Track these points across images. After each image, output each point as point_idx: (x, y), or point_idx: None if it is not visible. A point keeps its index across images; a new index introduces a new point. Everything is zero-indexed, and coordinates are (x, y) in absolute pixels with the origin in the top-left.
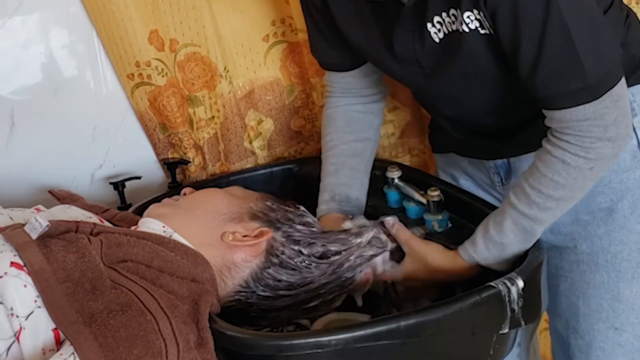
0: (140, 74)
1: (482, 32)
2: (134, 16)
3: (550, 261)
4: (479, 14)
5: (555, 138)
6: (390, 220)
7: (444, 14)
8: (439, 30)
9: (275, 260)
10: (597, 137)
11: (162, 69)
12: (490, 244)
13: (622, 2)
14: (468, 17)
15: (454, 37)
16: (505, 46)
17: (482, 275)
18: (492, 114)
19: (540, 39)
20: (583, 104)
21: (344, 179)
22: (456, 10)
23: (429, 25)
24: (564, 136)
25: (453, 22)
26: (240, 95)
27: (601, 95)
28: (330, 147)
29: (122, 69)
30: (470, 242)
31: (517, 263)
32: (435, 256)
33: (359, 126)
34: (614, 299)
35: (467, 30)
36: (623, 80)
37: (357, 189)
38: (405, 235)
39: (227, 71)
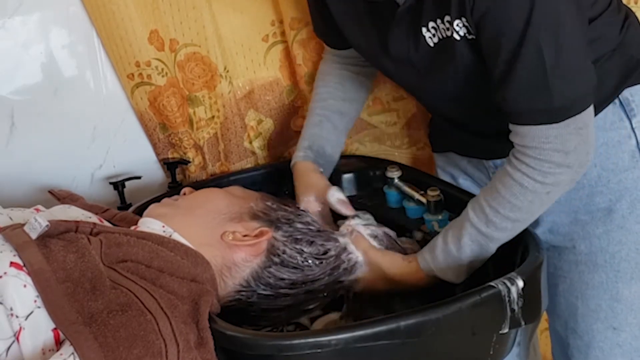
0: (140, 74)
1: (469, 37)
2: (134, 16)
3: (549, 261)
4: (467, 21)
5: (516, 160)
6: (350, 225)
7: (438, 21)
8: (434, 35)
9: (276, 259)
10: (557, 164)
11: (162, 69)
12: (448, 258)
13: (621, 2)
14: (457, 24)
15: (447, 43)
16: (484, 54)
17: (479, 275)
18: (488, 115)
19: (514, 57)
20: (544, 124)
21: (325, 133)
22: (450, 16)
23: (424, 29)
24: (525, 158)
25: (447, 29)
26: (240, 95)
27: (562, 120)
28: (319, 100)
29: (122, 69)
30: (429, 252)
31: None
32: (392, 265)
33: (350, 85)
34: (613, 299)
35: (457, 38)
36: (591, 108)
37: (334, 146)
38: (362, 245)
39: (227, 71)
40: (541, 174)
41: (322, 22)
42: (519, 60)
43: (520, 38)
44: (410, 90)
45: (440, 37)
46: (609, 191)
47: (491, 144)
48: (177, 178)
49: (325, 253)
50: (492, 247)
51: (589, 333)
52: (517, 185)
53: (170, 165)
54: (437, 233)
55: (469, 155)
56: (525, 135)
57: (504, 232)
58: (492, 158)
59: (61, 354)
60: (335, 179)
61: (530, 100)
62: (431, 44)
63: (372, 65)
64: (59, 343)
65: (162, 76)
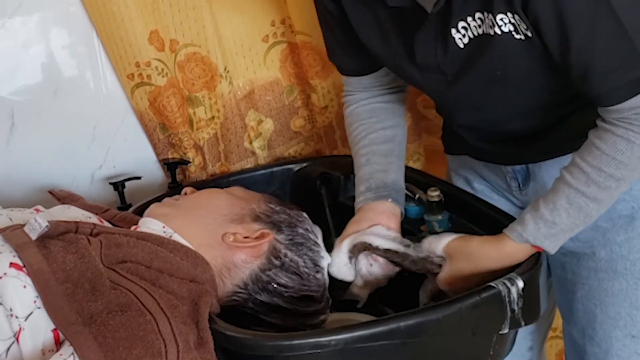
0: (140, 74)
1: (517, 37)
2: (134, 16)
3: (567, 267)
4: (514, 17)
5: (616, 120)
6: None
7: (469, 18)
8: (464, 36)
9: (276, 262)
10: None
11: (162, 69)
12: (540, 223)
13: None
14: (501, 19)
15: (481, 40)
16: (554, 50)
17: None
18: (515, 119)
19: (592, 35)
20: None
21: (377, 166)
22: (483, 13)
23: (453, 31)
24: (626, 120)
25: (480, 26)
26: (241, 96)
27: None
28: (359, 140)
29: (122, 69)
30: (519, 223)
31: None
32: (479, 245)
33: (384, 115)
34: (633, 306)
35: (499, 32)
36: None
37: (393, 172)
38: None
39: (227, 71)
40: None
41: (336, 43)
42: (597, 36)
43: (592, 12)
44: (436, 98)
45: (472, 35)
46: (631, 198)
47: (511, 149)
48: (177, 178)
49: (320, 266)
50: (594, 210)
51: (607, 341)
52: (623, 141)
53: (170, 166)
54: (437, 233)
55: (486, 160)
56: (620, 109)
57: (607, 192)
58: (511, 164)
59: (61, 354)
60: (336, 181)
61: (622, 73)
62: (461, 45)
63: (397, 75)
64: (58, 343)
65: (162, 76)
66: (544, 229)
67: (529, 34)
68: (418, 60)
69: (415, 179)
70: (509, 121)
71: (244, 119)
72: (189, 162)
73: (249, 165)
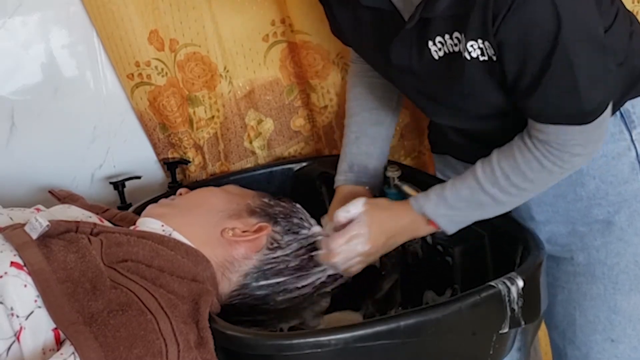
0: (140, 74)
1: (482, 59)
2: (133, 16)
3: (547, 271)
4: (484, 43)
5: (538, 142)
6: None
7: (447, 36)
8: (440, 49)
9: (275, 253)
10: (577, 153)
11: (162, 69)
12: (441, 202)
13: (625, 9)
14: (471, 45)
15: (455, 58)
16: (508, 72)
17: (479, 275)
18: (488, 126)
19: (543, 71)
20: (572, 125)
21: (364, 148)
22: (461, 34)
23: (430, 43)
24: (547, 146)
25: (456, 45)
26: (240, 95)
27: (590, 122)
28: (352, 114)
29: (122, 69)
30: (424, 195)
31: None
32: (390, 202)
33: (380, 92)
34: (611, 310)
35: (468, 58)
36: (610, 103)
37: (376, 159)
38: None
39: (227, 71)
40: (562, 160)
41: (335, 22)
42: (548, 73)
43: (549, 52)
44: (412, 97)
45: (447, 51)
46: (607, 203)
47: (488, 150)
48: (177, 178)
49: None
50: (491, 208)
51: (587, 344)
52: (536, 162)
53: (170, 165)
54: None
55: (465, 160)
56: (549, 133)
57: (507, 196)
58: None
59: (61, 354)
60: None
61: (559, 107)
62: (436, 57)
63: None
64: (59, 343)
65: (162, 76)
66: (442, 209)
67: (493, 57)
68: (393, 61)
69: (415, 179)
70: (481, 126)
71: (244, 118)
72: (189, 161)
73: (248, 165)
